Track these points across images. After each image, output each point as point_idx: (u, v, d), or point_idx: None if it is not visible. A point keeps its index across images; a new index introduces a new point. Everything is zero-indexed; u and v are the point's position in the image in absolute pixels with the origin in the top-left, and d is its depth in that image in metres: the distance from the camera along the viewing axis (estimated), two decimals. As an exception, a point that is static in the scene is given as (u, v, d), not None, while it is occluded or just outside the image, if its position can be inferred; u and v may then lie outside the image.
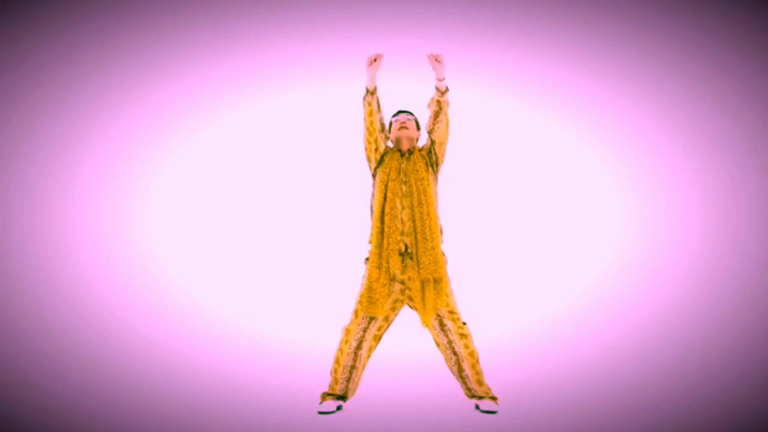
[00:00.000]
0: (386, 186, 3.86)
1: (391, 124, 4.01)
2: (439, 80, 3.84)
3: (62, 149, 6.83)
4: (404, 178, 3.88)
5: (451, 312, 3.87)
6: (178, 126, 7.04)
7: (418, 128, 4.01)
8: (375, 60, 3.81)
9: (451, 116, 3.90)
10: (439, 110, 3.85)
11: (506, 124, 7.05)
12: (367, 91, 3.84)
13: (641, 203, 6.96)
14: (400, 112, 4.04)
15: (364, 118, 3.87)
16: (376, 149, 3.90)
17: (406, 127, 3.94)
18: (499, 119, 7.04)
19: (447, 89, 3.85)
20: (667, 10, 6.80)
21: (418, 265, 3.82)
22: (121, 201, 6.91)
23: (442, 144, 3.92)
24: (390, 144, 4.01)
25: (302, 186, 7.04)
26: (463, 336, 3.86)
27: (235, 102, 7.05)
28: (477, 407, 3.87)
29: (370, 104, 3.84)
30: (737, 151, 6.82)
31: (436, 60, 3.79)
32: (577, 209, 7.02)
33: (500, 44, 6.92)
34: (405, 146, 3.94)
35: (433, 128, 3.89)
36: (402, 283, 3.87)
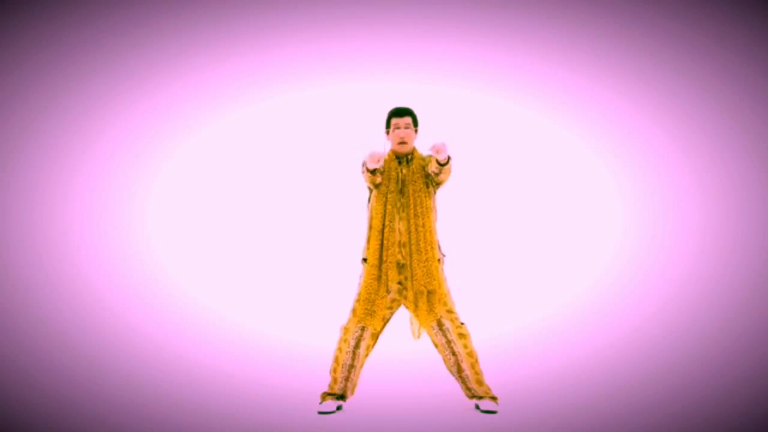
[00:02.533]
0: (386, 198, 3.87)
1: (389, 124, 3.96)
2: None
3: (62, 149, 6.83)
4: (402, 188, 3.88)
5: (449, 311, 3.87)
6: (178, 126, 7.04)
7: (416, 129, 3.98)
8: (378, 160, 3.73)
9: (453, 168, 3.86)
10: (439, 172, 3.83)
11: (506, 124, 7.05)
12: (368, 170, 3.80)
13: (641, 203, 6.96)
14: (397, 112, 3.94)
15: (366, 180, 3.88)
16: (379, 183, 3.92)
17: (405, 142, 3.92)
18: (499, 119, 7.04)
19: (449, 160, 3.77)
20: (666, 10, 6.80)
21: (411, 277, 3.83)
22: (121, 201, 6.91)
23: (442, 183, 3.91)
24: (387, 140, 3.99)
25: (301, 186, 7.04)
26: (461, 336, 3.86)
27: (234, 102, 7.05)
28: (477, 407, 3.87)
29: (372, 176, 3.83)
30: (737, 151, 6.82)
31: (438, 152, 3.69)
32: (577, 209, 7.02)
33: (499, 44, 6.92)
34: (403, 154, 3.94)
35: (434, 178, 3.88)
36: (399, 283, 3.88)
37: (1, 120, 6.71)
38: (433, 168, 3.80)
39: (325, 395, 3.90)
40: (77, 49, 6.80)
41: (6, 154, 6.71)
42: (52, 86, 6.79)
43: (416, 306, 3.84)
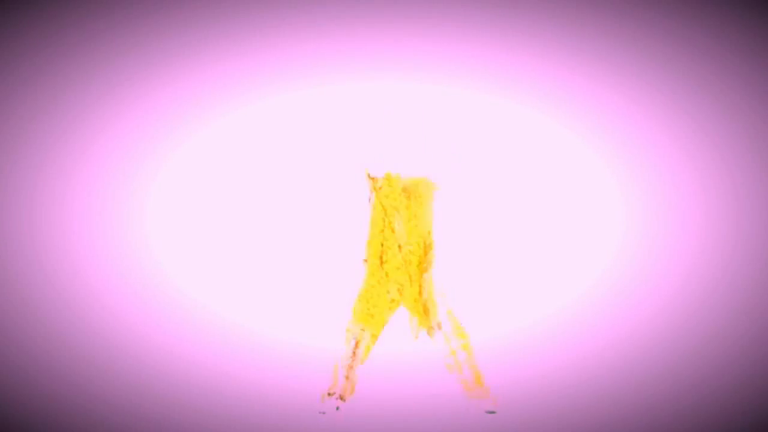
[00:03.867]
0: (387, 198, 3.87)
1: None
2: None
3: (61, 149, 6.82)
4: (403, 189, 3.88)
5: (449, 312, 3.87)
6: (178, 126, 7.02)
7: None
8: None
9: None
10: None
11: (505, 124, 7.03)
12: (372, 178, 3.80)
13: (642, 203, 6.94)
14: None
15: (368, 185, 3.87)
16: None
17: None
18: (499, 119, 7.02)
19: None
20: (667, 9, 6.80)
21: (411, 278, 3.83)
22: (120, 200, 6.90)
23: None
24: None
25: (301, 186, 7.02)
26: (461, 336, 3.86)
27: (234, 102, 7.04)
28: (477, 407, 3.86)
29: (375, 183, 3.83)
30: (739, 150, 6.81)
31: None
32: (577, 209, 7.00)
33: (498, 43, 6.91)
34: None
35: None
36: (399, 284, 3.87)
37: (1, 120, 6.70)
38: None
39: (325, 395, 3.89)
40: (77, 49, 6.79)
41: (5, 154, 6.71)
42: (52, 86, 6.78)
43: (415, 307, 3.84)
